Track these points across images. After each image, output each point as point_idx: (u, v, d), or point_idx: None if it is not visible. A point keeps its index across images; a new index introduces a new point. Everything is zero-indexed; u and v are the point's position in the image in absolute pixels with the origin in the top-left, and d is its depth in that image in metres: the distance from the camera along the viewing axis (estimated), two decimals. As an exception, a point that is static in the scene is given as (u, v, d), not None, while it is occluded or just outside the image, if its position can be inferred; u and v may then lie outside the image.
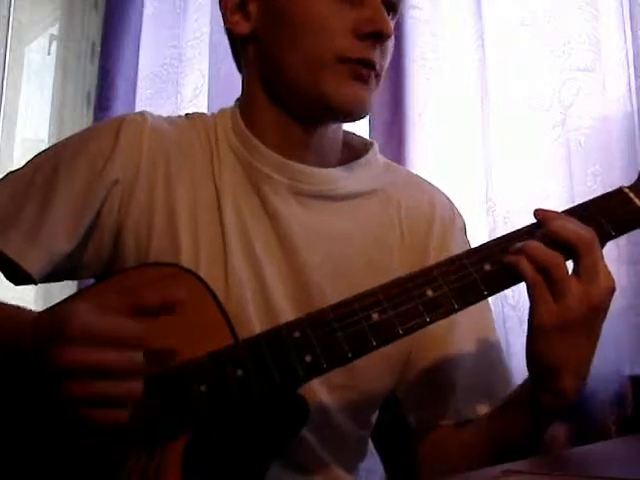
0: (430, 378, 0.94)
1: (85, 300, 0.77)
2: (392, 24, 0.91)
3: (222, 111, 0.98)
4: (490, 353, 0.96)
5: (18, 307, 0.79)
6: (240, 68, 0.99)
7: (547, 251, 0.74)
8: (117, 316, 0.66)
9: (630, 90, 1.47)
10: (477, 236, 1.50)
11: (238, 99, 0.98)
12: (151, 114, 0.94)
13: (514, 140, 1.58)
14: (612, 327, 1.44)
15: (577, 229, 0.75)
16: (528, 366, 0.79)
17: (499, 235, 1.51)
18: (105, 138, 0.89)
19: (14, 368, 0.71)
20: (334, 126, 0.95)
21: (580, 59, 1.51)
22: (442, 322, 0.77)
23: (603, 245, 0.77)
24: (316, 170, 0.92)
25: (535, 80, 1.58)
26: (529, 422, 0.81)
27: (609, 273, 0.75)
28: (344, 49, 0.86)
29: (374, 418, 0.98)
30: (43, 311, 0.74)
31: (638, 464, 0.71)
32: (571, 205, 1.48)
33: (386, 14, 0.88)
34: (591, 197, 1.46)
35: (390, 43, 0.91)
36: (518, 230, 0.80)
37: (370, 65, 0.87)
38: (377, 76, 0.90)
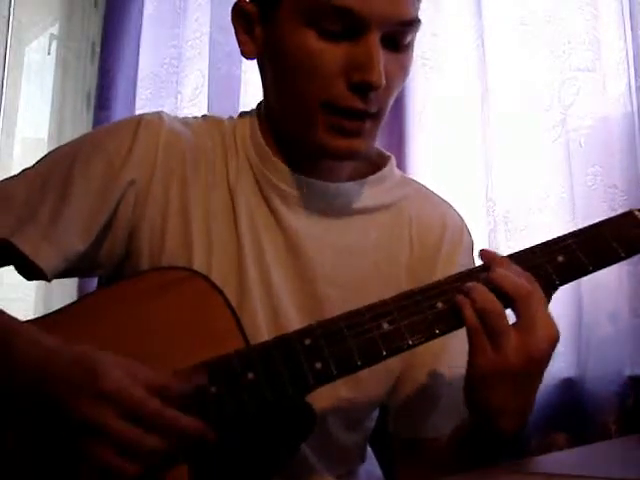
0: (418, 391, 0.93)
1: (102, 312, 0.80)
2: (401, 59, 0.85)
3: (242, 116, 0.97)
4: None
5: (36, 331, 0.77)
6: None
7: (489, 298, 0.73)
8: (148, 392, 0.68)
9: (630, 90, 1.47)
10: (477, 236, 1.50)
11: (260, 103, 0.97)
12: (167, 115, 0.93)
13: (514, 140, 1.58)
14: (612, 328, 1.44)
15: (515, 280, 0.74)
16: (467, 407, 0.79)
17: (499, 235, 1.54)
18: (122, 138, 0.88)
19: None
20: None
21: (580, 59, 1.51)
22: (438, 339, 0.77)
23: (612, 264, 0.77)
24: (327, 185, 0.91)
25: (535, 80, 1.58)
26: (478, 449, 0.82)
27: (550, 323, 0.74)
28: (332, 96, 0.82)
29: (370, 423, 0.98)
30: (71, 348, 0.72)
31: (638, 464, 0.71)
32: (571, 205, 1.50)
33: (380, 56, 0.80)
34: (591, 197, 1.48)
35: (402, 75, 0.86)
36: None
37: (359, 115, 0.83)
38: (376, 116, 0.85)
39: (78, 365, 0.68)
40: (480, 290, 0.74)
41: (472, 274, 0.77)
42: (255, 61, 0.93)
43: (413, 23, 0.84)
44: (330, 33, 0.81)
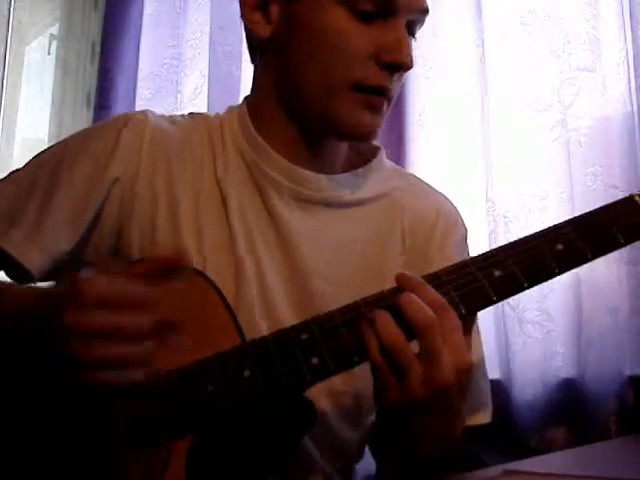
0: None
1: None
2: (411, 47, 0.88)
3: (229, 110, 0.97)
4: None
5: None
6: (254, 60, 0.97)
7: (393, 330, 0.69)
8: (128, 282, 0.65)
9: (630, 90, 1.48)
10: (477, 236, 1.51)
11: (247, 97, 0.97)
12: (153, 113, 0.94)
13: (514, 140, 1.58)
14: (612, 327, 1.44)
15: (420, 309, 0.69)
16: (383, 441, 0.78)
17: (499, 235, 1.54)
18: (107, 137, 0.89)
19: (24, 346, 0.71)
20: None
21: (580, 59, 1.52)
22: None
23: (611, 251, 0.76)
24: (321, 177, 0.92)
25: (535, 80, 1.58)
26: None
27: (458, 351, 0.69)
28: (362, 76, 0.84)
29: (369, 420, 0.98)
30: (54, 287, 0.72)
31: (638, 464, 0.72)
32: (571, 205, 1.50)
33: (409, 40, 0.86)
34: (591, 197, 1.48)
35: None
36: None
37: (385, 93, 0.86)
38: (389, 100, 0.88)
39: (61, 292, 0.66)
40: (384, 321, 0.70)
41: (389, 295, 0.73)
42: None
43: (428, 13, 0.89)
44: (362, 13, 0.84)
